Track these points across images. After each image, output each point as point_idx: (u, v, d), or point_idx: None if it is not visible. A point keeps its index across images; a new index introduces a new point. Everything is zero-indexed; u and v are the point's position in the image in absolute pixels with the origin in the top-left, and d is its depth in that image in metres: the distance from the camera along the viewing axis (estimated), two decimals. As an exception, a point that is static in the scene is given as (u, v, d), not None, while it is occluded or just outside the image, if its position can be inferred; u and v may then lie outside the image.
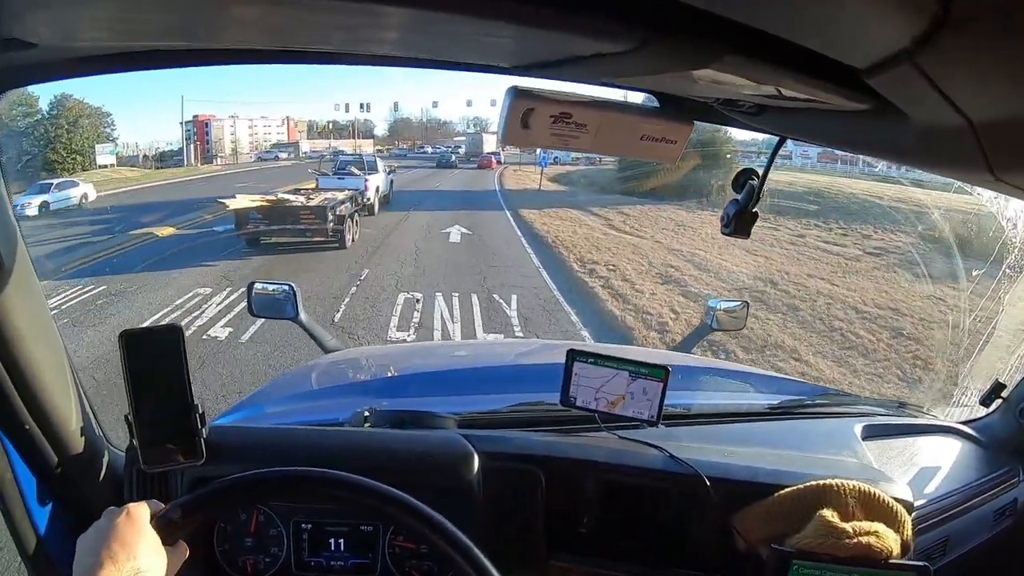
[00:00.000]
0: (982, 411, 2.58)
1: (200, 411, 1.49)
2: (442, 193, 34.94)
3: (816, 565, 1.64)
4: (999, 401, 2.47)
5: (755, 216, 1.65)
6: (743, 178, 1.67)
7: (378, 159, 32.93)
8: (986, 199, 2.82)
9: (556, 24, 0.83)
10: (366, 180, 25.08)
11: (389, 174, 30.59)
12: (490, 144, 65.62)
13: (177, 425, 1.48)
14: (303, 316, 3.34)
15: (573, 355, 1.96)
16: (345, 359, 3.45)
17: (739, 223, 1.66)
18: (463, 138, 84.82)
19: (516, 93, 1.27)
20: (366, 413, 2.03)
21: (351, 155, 38.60)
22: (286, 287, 3.36)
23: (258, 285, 3.39)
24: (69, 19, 1.06)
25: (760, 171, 1.65)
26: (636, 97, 1.48)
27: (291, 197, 19.67)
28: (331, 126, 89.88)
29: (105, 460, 1.78)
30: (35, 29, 1.08)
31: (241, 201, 18.45)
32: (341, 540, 1.78)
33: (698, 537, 1.87)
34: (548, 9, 0.80)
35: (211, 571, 1.77)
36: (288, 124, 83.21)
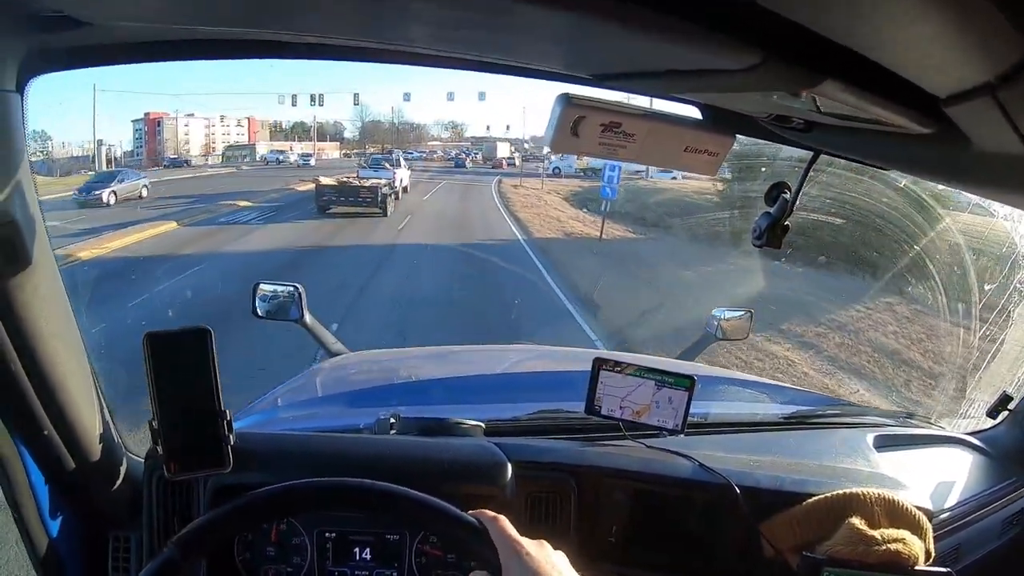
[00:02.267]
0: (989, 423, 2.60)
1: (228, 417, 1.46)
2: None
3: (847, 572, 1.66)
4: (1006, 413, 2.49)
5: (787, 229, 1.67)
6: (775, 191, 1.68)
7: (402, 157, 47.48)
8: (1001, 215, 2.84)
9: (675, 38, 0.83)
10: (395, 173, 34.17)
11: (410, 170, 40.61)
12: (503, 150, 67.10)
13: (203, 431, 1.45)
14: (308, 318, 3.31)
15: (600, 364, 1.97)
16: (356, 363, 3.40)
17: (771, 236, 1.67)
18: (438, 143, 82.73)
19: (568, 101, 1.27)
20: (392, 420, 2.01)
21: (381, 154, 51.46)
22: (291, 288, 3.31)
23: (264, 286, 3.33)
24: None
25: (792, 185, 1.67)
26: (678, 108, 1.49)
27: (352, 180, 30.18)
28: (298, 128, 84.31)
29: (123, 467, 1.76)
30: (87, 7, 1.08)
31: (323, 179, 29.95)
32: (367, 549, 1.75)
33: (726, 545, 1.88)
34: (666, 17, 0.79)
35: None
36: (249, 125, 77.80)
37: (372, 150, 74.76)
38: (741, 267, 16.80)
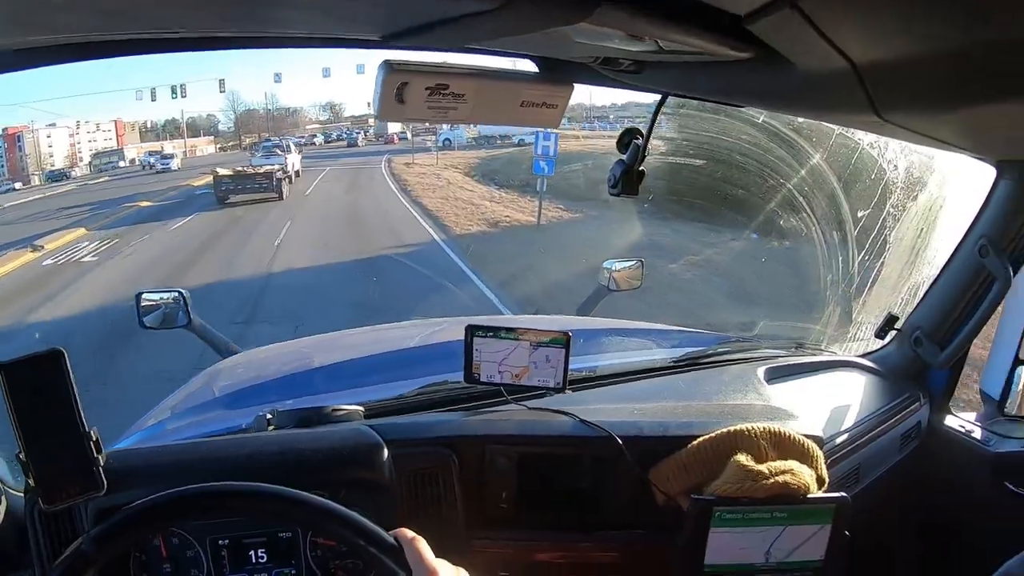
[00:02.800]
0: (878, 344, 2.66)
1: (94, 438, 1.39)
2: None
3: (737, 509, 1.66)
4: (893, 332, 2.55)
5: (642, 175, 1.66)
6: (627, 138, 1.67)
7: (292, 143, 44.36)
8: (867, 143, 2.89)
9: None
10: (286, 158, 33.24)
11: (301, 154, 39.48)
12: (394, 126, 64.66)
13: (72, 457, 1.37)
14: (196, 321, 3.22)
15: (472, 330, 1.93)
16: (244, 362, 3.30)
17: (626, 183, 1.67)
18: (317, 126, 77.58)
19: (389, 67, 1.24)
20: (269, 415, 1.95)
21: (272, 141, 48.99)
22: (175, 293, 3.20)
23: (145, 295, 3.20)
24: None
25: (644, 130, 1.66)
26: (512, 63, 1.46)
27: (247, 169, 29.85)
28: (169, 126, 73.65)
29: (3, 506, 1.66)
30: None
31: (219, 171, 29.06)
32: (261, 550, 1.69)
33: (617, 497, 1.86)
34: None
35: None
36: (116, 128, 68.07)
37: (248, 141, 69.08)
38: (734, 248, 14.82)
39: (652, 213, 19.05)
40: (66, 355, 1.36)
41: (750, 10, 0.77)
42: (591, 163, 26.50)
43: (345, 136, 67.06)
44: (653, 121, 1.67)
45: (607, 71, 1.39)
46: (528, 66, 1.45)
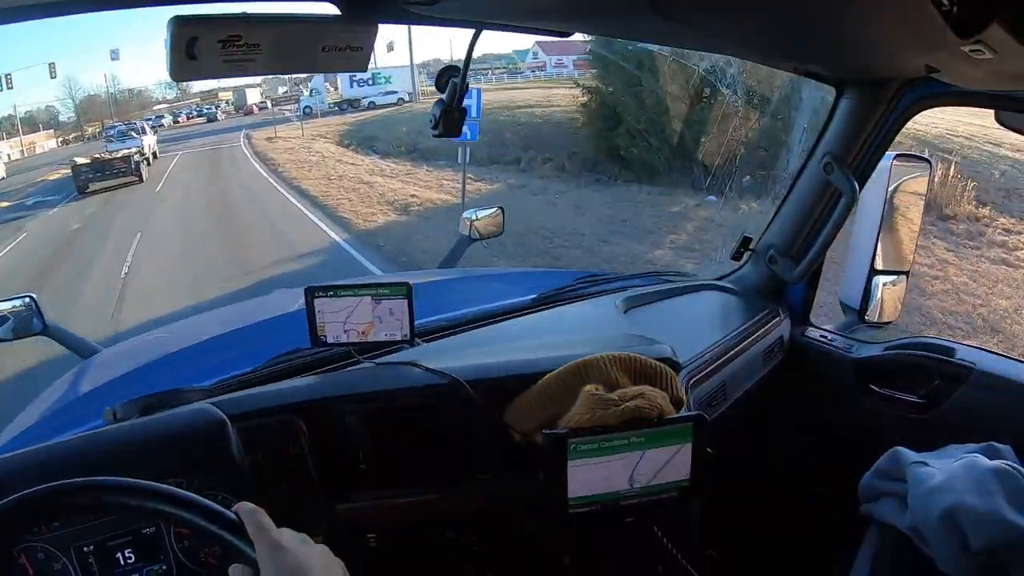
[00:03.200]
0: (734, 266, 2.73)
1: None
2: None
3: (592, 439, 1.65)
4: (748, 253, 2.61)
5: (463, 113, 1.65)
6: (444, 77, 1.65)
7: (146, 124, 43.19)
8: (705, 68, 2.96)
9: None
10: (142, 140, 33.79)
11: (155, 135, 39.56)
12: (253, 96, 62.46)
13: None
14: (51, 325, 3.07)
15: (312, 292, 1.89)
16: (102, 361, 3.15)
17: (446, 122, 1.65)
18: (164, 106, 69.85)
19: (177, 22, 1.18)
20: (115, 411, 1.87)
21: (125, 124, 45.18)
22: (25, 299, 3.07)
23: None
24: None
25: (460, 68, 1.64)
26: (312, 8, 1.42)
27: (104, 155, 29.40)
28: (5, 123, 63.25)
29: None
30: None
31: (77, 160, 28.82)
32: (129, 551, 1.61)
33: (475, 443, 1.86)
34: None
35: None
36: None
37: (92, 130, 62.64)
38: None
39: (573, 173, 18.97)
40: None
41: None
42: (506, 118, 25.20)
43: (203, 112, 63.33)
44: (468, 58, 1.65)
45: (410, 7, 1.36)
46: (329, 9, 1.41)
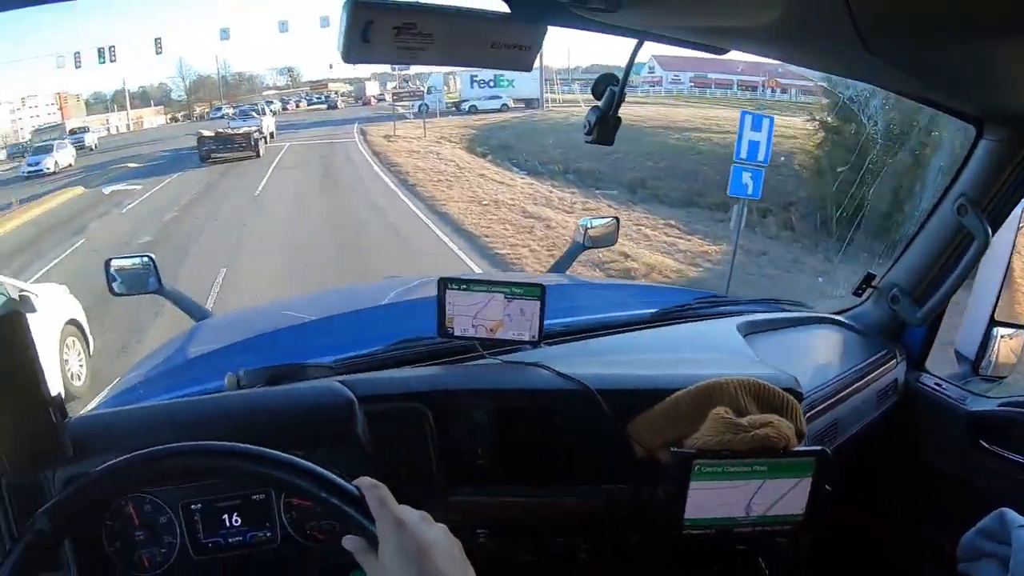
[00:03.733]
0: (855, 301, 2.67)
1: (59, 402, 1.35)
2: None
3: (718, 462, 1.65)
4: (870, 290, 2.57)
5: (618, 121, 1.65)
6: (603, 85, 1.65)
7: (267, 106, 50.23)
8: (847, 97, 2.91)
9: None
10: (262, 120, 37.41)
11: (274, 116, 44.80)
12: (372, 89, 64.54)
13: (35, 423, 1.33)
14: (166, 286, 3.20)
15: (444, 283, 1.90)
16: (217, 324, 3.28)
17: (601, 130, 1.65)
18: (274, 91, 74.26)
19: (354, 5, 1.20)
20: (239, 376, 1.91)
21: (248, 105, 52.04)
22: (145, 259, 3.19)
23: (115, 261, 3.19)
24: None
25: (620, 77, 1.64)
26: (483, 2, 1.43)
27: (227, 131, 33.72)
28: (119, 96, 67.68)
29: None
30: None
31: (204, 132, 33.40)
32: (235, 514, 1.66)
33: (596, 451, 1.85)
34: None
35: (107, 574, 1.62)
36: (62, 102, 61.39)
37: (200, 110, 67.26)
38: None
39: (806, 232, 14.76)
40: (23, 316, 1.31)
41: None
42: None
43: (317, 100, 63.55)
44: (629, 67, 1.65)
45: (582, 10, 1.36)
46: (499, 6, 1.42)
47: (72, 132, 44.28)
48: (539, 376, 1.88)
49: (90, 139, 43.82)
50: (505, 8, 1.38)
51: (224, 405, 1.75)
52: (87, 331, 8.55)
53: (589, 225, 3.48)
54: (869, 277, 2.55)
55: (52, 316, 7.86)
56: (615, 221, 3.53)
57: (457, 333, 1.92)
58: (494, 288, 1.90)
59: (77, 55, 50.63)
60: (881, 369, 2.43)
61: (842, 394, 2.25)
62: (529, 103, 46.05)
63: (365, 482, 1.18)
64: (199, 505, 1.64)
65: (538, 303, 1.90)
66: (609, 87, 1.65)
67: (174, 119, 64.78)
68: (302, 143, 36.35)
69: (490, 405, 1.84)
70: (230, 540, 1.67)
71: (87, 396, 7.63)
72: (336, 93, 70.08)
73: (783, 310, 2.67)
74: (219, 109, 63.36)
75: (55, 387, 1.34)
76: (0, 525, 1.56)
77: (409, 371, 1.95)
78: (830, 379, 2.26)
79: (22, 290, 7.81)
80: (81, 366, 8.23)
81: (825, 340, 2.51)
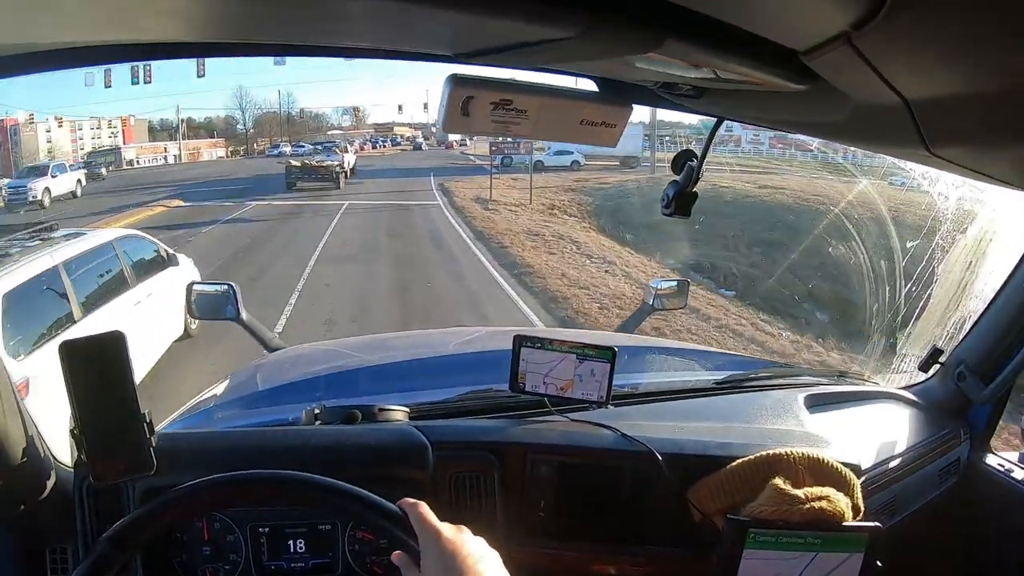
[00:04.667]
0: (921, 377, 2.65)
1: (148, 420, 1.44)
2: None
3: (772, 532, 1.68)
4: (937, 366, 2.54)
5: (695, 196, 1.69)
6: (682, 159, 1.70)
7: (348, 143, 53.40)
8: (918, 174, 2.89)
9: (501, 11, 0.82)
10: (343, 156, 40.45)
11: (355, 153, 47.50)
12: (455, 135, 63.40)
13: (125, 436, 1.42)
14: (244, 315, 3.28)
15: (520, 341, 1.97)
16: (290, 357, 3.39)
17: (679, 203, 1.69)
18: (338, 132, 74.31)
19: (456, 81, 1.27)
20: (316, 410, 2.00)
21: (329, 142, 55.20)
22: (225, 287, 3.30)
23: (197, 286, 3.35)
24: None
25: (699, 152, 1.68)
26: (574, 82, 1.48)
27: (313, 162, 37.30)
28: (184, 124, 67.66)
29: (52, 478, 1.73)
30: None
31: (292, 161, 37.41)
32: (300, 541, 1.75)
33: (654, 513, 1.89)
34: None
35: None
36: (125, 125, 62.22)
37: (262, 146, 66.44)
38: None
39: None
40: (125, 338, 1.40)
41: (807, 47, 0.80)
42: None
43: (386, 142, 63.09)
44: (708, 144, 1.70)
45: (666, 94, 1.41)
46: (589, 85, 1.48)
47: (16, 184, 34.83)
48: (606, 436, 1.93)
49: (39, 189, 32.47)
50: (593, 87, 1.44)
51: (303, 438, 1.84)
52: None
53: (659, 287, 3.49)
54: (936, 352, 2.52)
55: (185, 275, 9.68)
56: (686, 283, 3.56)
57: (528, 389, 1.99)
58: (567, 349, 1.96)
59: (108, 72, 46.99)
60: (944, 447, 2.40)
61: (903, 471, 2.25)
62: (624, 162, 42.00)
63: (406, 501, 1.28)
64: (267, 528, 1.74)
65: (608, 365, 1.96)
66: (688, 162, 1.70)
67: (235, 152, 64.89)
68: (364, 203, 27.83)
69: (556, 461, 1.89)
70: (292, 565, 1.76)
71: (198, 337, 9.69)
72: (402, 137, 70.54)
73: (848, 383, 2.66)
74: (277, 146, 63.42)
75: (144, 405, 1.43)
76: (77, 524, 1.68)
77: (480, 421, 2.03)
78: (891, 455, 2.26)
79: (168, 250, 10.24)
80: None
81: (888, 416, 2.49)
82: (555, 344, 1.97)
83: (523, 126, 1.36)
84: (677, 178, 1.71)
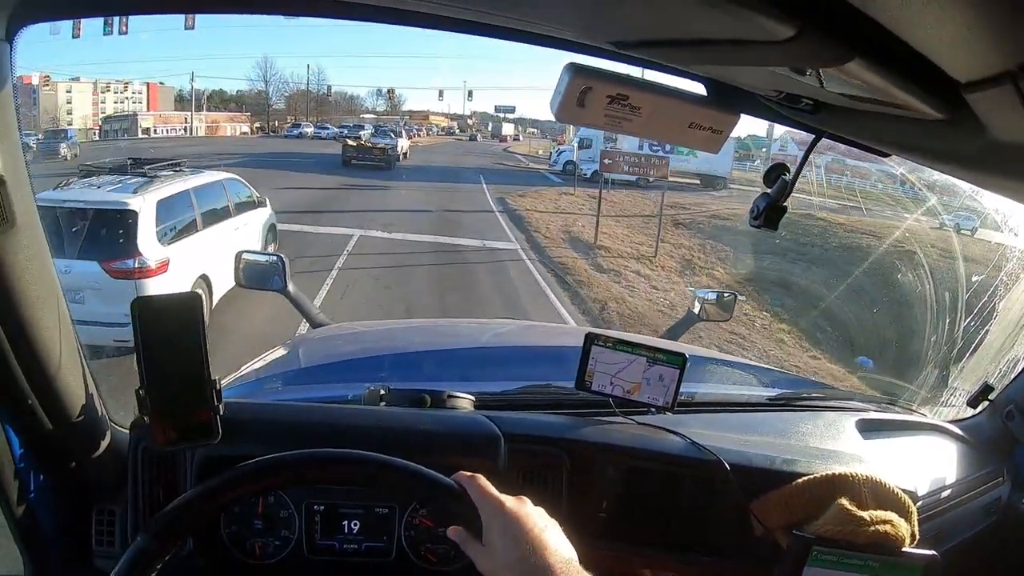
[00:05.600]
0: (970, 412, 2.64)
1: (218, 387, 1.41)
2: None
3: (835, 551, 1.67)
4: (986, 403, 2.53)
5: (784, 210, 1.69)
6: (775, 173, 1.70)
7: (403, 129, 52.62)
8: (992, 208, 2.88)
9: (707, 6, 0.82)
10: (398, 141, 41.18)
11: (409, 140, 47.93)
12: (507, 129, 64.15)
13: (192, 401, 1.39)
14: (291, 288, 3.28)
15: (592, 339, 1.97)
16: (340, 334, 3.40)
17: (768, 216, 1.69)
18: (371, 116, 68.22)
19: (576, 70, 1.26)
20: (382, 391, 1.99)
21: (358, 125, 55.11)
22: (275, 258, 3.31)
23: (246, 255, 3.36)
24: None
25: (792, 167, 1.68)
26: (683, 83, 1.48)
27: (369, 143, 38.73)
28: (215, 97, 66.16)
29: (107, 438, 1.73)
30: None
31: (349, 141, 38.45)
32: (356, 522, 1.75)
33: (716, 522, 1.90)
34: None
35: (218, 553, 1.72)
36: (149, 91, 58.51)
37: (286, 124, 60.94)
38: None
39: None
40: (202, 300, 1.40)
41: (970, 79, 0.80)
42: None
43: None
44: (804, 159, 1.70)
45: (779, 106, 1.41)
46: (699, 89, 1.48)
47: (52, 133, 36.71)
48: (674, 443, 1.93)
49: (66, 149, 31.82)
50: (703, 91, 1.44)
51: (375, 419, 1.84)
52: (277, 232, 13.87)
53: (706, 298, 3.50)
54: (987, 389, 2.51)
55: (268, 215, 13.35)
56: (733, 296, 3.57)
57: (594, 388, 1.98)
58: (638, 351, 1.96)
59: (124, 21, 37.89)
60: (988, 485, 2.40)
61: (947, 505, 2.25)
62: (707, 181, 35.33)
63: (462, 475, 1.30)
64: (322, 507, 1.73)
65: (678, 371, 1.96)
66: (781, 176, 1.70)
67: (260, 129, 60.64)
68: (383, 236, 17.81)
69: (623, 463, 1.90)
70: (345, 546, 1.75)
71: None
72: (438, 126, 68.69)
73: (897, 412, 2.66)
74: (297, 126, 58.61)
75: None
76: (129, 487, 1.70)
77: (549, 417, 2.02)
78: (937, 488, 2.26)
79: (257, 194, 13.01)
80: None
81: (936, 448, 2.49)
82: (626, 345, 1.97)
83: (635, 123, 1.36)
84: (769, 191, 1.71)
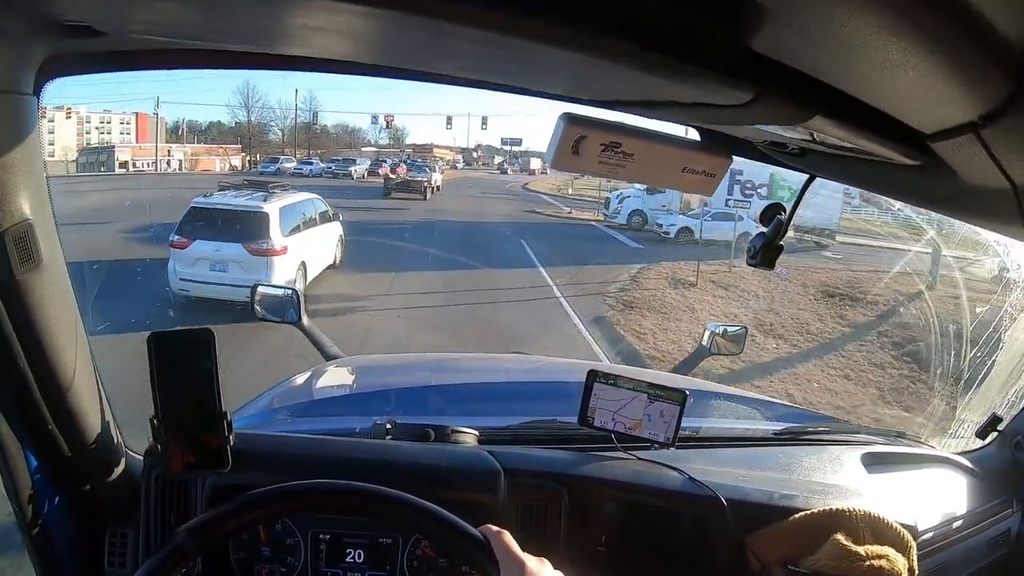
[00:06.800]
0: (978, 443, 2.62)
1: (228, 418, 1.48)
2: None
3: None
4: (995, 434, 2.52)
5: (780, 249, 1.71)
6: (771, 212, 1.72)
7: (437, 166, 52.65)
8: (994, 239, 2.87)
9: (667, 73, 0.85)
10: (431, 175, 42.49)
11: (442, 173, 49.10)
12: (535, 163, 60.46)
13: (203, 430, 1.47)
14: (305, 320, 3.32)
15: (594, 376, 2.00)
16: (351, 367, 3.44)
17: (764, 255, 1.71)
18: (372, 149, 64.71)
19: (570, 120, 1.28)
20: (388, 425, 2.04)
21: (348, 160, 52.35)
22: (289, 291, 3.37)
23: (261, 288, 3.40)
24: (143, 11, 1.07)
25: (787, 206, 1.70)
26: (677, 129, 1.51)
27: (407, 176, 40.87)
28: (212, 129, 60.84)
29: (122, 464, 1.79)
30: (105, 17, 1.10)
31: (389, 175, 41.05)
32: (360, 551, 1.78)
33: (713, 558, 1.91)
34: (669, 58, 0.81)
35: None
36: (137, 123, 53.46)
37: (262, 157, 52.84)
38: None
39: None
40: (214, 335, 1.46)
41: (935, 130, 0.84)
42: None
43: (414, 164, 50.53)
44: (799, 199, 1.72)
45: (769, 150, 1.44)
46: (692, 134, 1.50)
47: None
48: (673, 478, 1.95)
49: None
50: (696, 136, 1.48)
51: (378, 452, 1.89)
52: (344, 240, 16.91)
53: (717, 331, 3.50)
54: (995, 420, 2.50)
55: (339, 228, 16.74)
56: (744, 330, 3.58)
57: (596, 424, 2.02)
58: (639, 388, 1.99)
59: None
60: (996, 517, 2.38)
61: (954, 538, 2.23)
62: (817, 235, 24.37)
63: (489, 529, 1.32)
64: (327, 536, 1.77)
65: (678, 408, 1.99)
66: (777, 216, 1.73)
67: (253, 163, 52.94)
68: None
69: (622, 498, 1.92)
70: (349, 574, 1.78)
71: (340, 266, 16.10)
72: (443, 160, 65.20)
73: (905, 444, 2.65)
74: (275, 160, 48.68)
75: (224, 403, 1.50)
76: (141, 512, 1.76)
77: (549, 452, 2.05)
78: (943, 521, 2.24)
79: (333, 210, 16.66)
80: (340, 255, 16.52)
81: (943, 481, 2.47)
82: (627, 382, 1.99)
83: (628, 169, 1.38)
84: (764, 230, 1.74)
